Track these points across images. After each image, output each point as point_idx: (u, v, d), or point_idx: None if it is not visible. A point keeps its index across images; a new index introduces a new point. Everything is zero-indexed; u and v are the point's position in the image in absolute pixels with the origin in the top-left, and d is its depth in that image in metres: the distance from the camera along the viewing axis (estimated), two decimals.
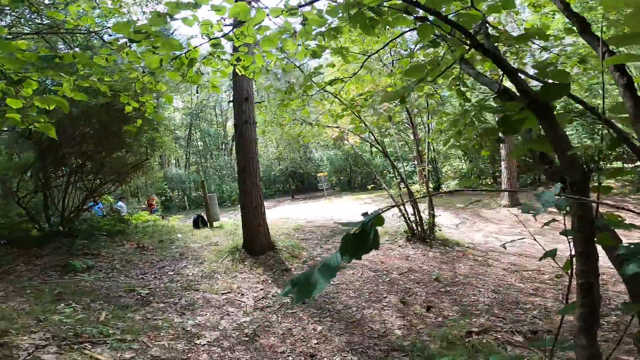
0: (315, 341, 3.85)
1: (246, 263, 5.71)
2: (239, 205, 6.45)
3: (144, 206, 14.46)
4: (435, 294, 4.94)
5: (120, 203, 11.73)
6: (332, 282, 5.50)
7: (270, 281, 5.30)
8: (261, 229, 6.13)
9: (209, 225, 9.75)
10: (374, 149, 26.14)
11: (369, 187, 13.83)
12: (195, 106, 26.27)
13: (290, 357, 3.58)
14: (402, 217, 7.58)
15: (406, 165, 22.46)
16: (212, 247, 6.79)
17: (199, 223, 9.69)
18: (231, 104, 6.95)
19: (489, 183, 18.95)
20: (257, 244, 6.01)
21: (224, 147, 29.02)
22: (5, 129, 9.94)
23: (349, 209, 13.50)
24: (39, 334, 3.36)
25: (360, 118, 7.19)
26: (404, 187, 8.73)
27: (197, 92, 26.64)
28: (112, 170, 9.18)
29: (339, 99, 5.88)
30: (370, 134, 9.79)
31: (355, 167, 24.83)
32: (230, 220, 10.49)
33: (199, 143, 27.47)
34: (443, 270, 5.88)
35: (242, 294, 4.83)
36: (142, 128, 9.30)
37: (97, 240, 7.45)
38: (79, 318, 3.84)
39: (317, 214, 12.44)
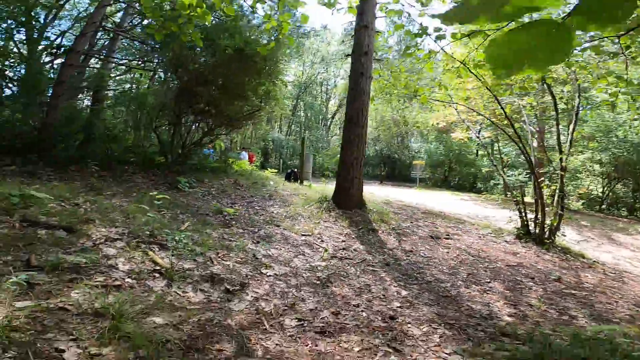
0: (398, 304, 3.28)
1: (332, 214, 5.37)
2: (338, 156, 6.12)
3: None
4: (557, 294, 3.85)
5: (243, 153, 12.73)
6: (421, 254, 4.80)
7: (354, 236, 4.86)
8: (356, 182, 5.72)
9: (299, 182, 9.78)
10: (480, 151, 23.43)
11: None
12: (304, 80, 27.05)
13: (364, 313, 3.09)
14: (518, 213, 6.36)
15: (518, 174, 19.52)
16: (300, 196, 6.65)
17: (290, 177, 9.81)
18: (349, 58, 6.62)
19: (623, 215, 15.23)
20: (347, 197, 5.64)
21: (323, 123, 29.49)
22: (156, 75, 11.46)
23: (444, 201, 12.22)
24: (117, 229, 3.49)
25: (499, 102, 6.07)
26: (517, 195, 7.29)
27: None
28: (228, 116, 9.83)
29: (467, 68, 4.93)
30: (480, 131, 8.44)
31: (455, 165, 22.64)
32: (319, 185, 10.42)
33: (302, 114, 28.42)
34: (565, 275, 4.64)
35: (322, 240, 4.48)
36: (260, 80, 9.69)
37: (204, 172, 8.07)
38: (162, 223, 3.96)
39: (407, 197, 11.53)
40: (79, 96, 12.13)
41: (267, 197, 6.34)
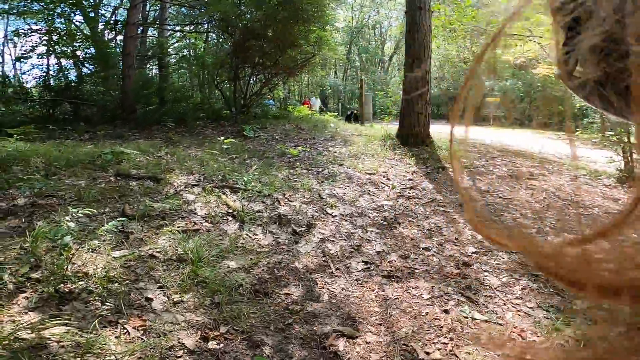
0: (473, 249, 3.01)
1: (397, 152, 5.03)
2: (400, 94, 5.62)
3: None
4: None
5: (313, 99, 12.72)
6: (499, 195, 4.34)
7: (421, 174, 4.54)
8: (421, 117, 5.19)
9: (360, 122, 9.40)
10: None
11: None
12: (356, 25, 24.99)
13: (435, 258, 2.89)
14: (622, 153, 5.39)
15: None
16: (363, 136, 6.37)
17: (351, 118, 9.47)
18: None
19: None
20: (413, 133, 5.20)
21: (380, 65, 27.52)
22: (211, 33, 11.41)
23: (525, 139, 10.86)
24: (195, 176, 3.61)
25: None
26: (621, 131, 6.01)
27: None
28: (284, 66, 9.57)
29: None
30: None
31: (535, 104, 19.69)
32: (381, 125, 9.88)
33: (357, 58, 26.75)
34: None
35: (388, 179, 4.24)
36: (310, 27, 9.11)
37: (266, 120, 8.16)
38: (233, 167, 4.03)
39: (480, 136, 10.45)
40: (146, 65, 12.85)
41: (329, 138, 6.19)
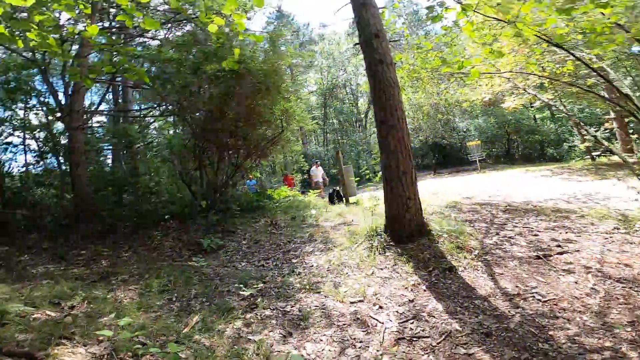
0: None
1: (388, 254, 3.90)
2: (381, 172, 4.55)
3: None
4: None
5: (313, 169, 12.02)
6: (536, 297, 3.15)
7: (424, 286, 3.36)
8: (411, 204, 4.17)
9: (344, 201, 8.43)
10: (538, 115, 20.09)
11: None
12: (327, 86, 25.85)
13: None
14: None
15: (595, 130, 16.19)
16: (346, 228, 5.30)
17: (334, 198, 8.50)
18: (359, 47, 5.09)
19: None
20: (404, 225, 4.11)
21: (358, 124, 27.92)
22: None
23: (519, 183, 10.00)
24: (98, 347, 2.44)
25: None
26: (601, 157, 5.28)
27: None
28: (254, 145, 8.92)
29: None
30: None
31: (514, 136, 19.64)
32: (368, 195, 8.94)
33: (334, 121, 27.13)
34: None
35: (380, 307, 3.05)
36: (275, 99, 8.67)
37: (238, 217, 7.11)
38: (164, 324, 2.84)
39: (474, 188, 9.55)
40: (117, 157, 12.04)
41: (306, 239, 5.10)
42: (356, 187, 9.18)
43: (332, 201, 8.47)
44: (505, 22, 3.54)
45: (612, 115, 14.13)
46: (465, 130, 21.31)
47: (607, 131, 15.99)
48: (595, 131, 16.34)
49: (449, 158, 21.79)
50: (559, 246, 4.32)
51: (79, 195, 7.58)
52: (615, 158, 13.78)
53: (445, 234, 4.25)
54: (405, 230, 3.99)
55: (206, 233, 5.78)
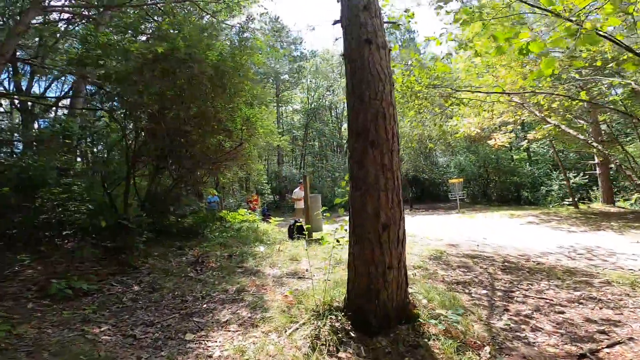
0: None
1: (344, 356, 2.33)
2: (348, 215, 2.73)
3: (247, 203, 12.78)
4: None
5: (297, 190, 10.15)
6: None
7: None
8: (391, 276, 2.46)
9: (305, 236, 6.82)
10: (516, 156, 19.71)
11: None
12: (312, 105, 24.75)
13: None
14: None
15: (575, 176, 15.73)
16: (291, 288, 3.67)
17: (293, 232, 6.86)
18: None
19: None
20: (376, 307, 2.45)
21: (338, 150, 26.82)
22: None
23: (506, 230, 8.80)
24: None
25: None
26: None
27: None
28: (204, 157, 7.27)
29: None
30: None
31: (493, 176, 19.01)
32: (336, 231, 7.38)
33: (315, 143, 25.86)
34: None
35: None
36: (232, 103, 7.13)
37: (160, 243, 5.32)
38: None
39: (458, 233, 8.23)
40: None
41: (231, 296, 3.41)
42: (322, 220, 7.61)
43: (291, 235, 6.83)
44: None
45: (596, 160, 13.62)
46: (445, 166, 20.58)
47: (585, 177, 15.56)
48: (575, 177, 15.93)
49: (425, 193, 20.89)
50: (602, 332, 2.91)
51: None
52: (597, 205, 13.11)
53: (437, 317, 2.70)
54: (377, 313, 2.38)
55: (92, 265, 3.98)
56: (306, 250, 5.43)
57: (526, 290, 4.10)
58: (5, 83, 10.85)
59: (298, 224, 6.92)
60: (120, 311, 2.97)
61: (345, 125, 29.82)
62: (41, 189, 5.47)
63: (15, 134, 8.22)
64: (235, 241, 5.93)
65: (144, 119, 6.50)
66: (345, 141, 27.45)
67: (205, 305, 3.07)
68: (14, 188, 6.06)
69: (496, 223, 9.72)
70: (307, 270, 4.28)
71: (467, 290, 4.06)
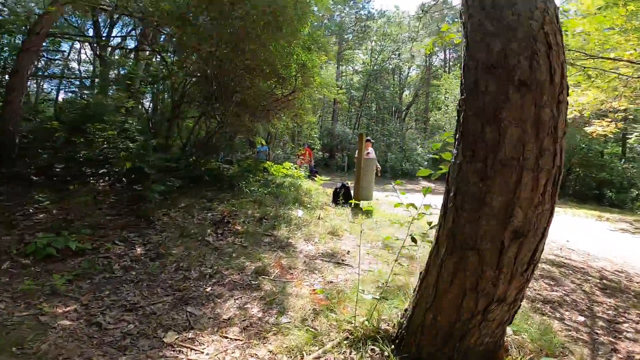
0: None
1: None
2: (445, 197, 1.55)
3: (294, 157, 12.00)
4: None
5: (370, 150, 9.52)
6: None
7: None
8: (498, 312, 1.42)
9: (352, 203, 5.90)
10: (606, 150, 16.19)
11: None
12: (374, 67, 22.53)
13: None
14: None
15: None
16: (328, 272, 2.81)
17: (339, 196, 5.95)
18: None
19: None
20: (456, 351, 1.45)
21: (397, 115, 24.64)
22: None
23: (593, 234, 7.06)
24: None
25: None
26: None
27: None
28: (249, 104, 6.48)
29: None
30: None
31: (578, 169, 15.97)
32: (388, 201, 6.36)
33: (373, 105, 23.92)
34: None
35: None
36: (289, 44, 6.05)
37: (186, 193, 4.75)
38: None
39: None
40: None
41: (247, 278, 2.67)
42: (374, 187, 6.57)
43: (335, 200, 5.95)
44: None
45: None
46: None
47: None
48: None
49: None
50: None
51: (5, 126, 5.48)
52: None
53: None
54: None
55: (108, 214, 3.49)
56: (352, 222, 4.52)
57: (637, 323, 2.91)
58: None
59: (346, 187, 6.01)
60: (103, 283, 2.37)
61: (406, 92, 27.17)
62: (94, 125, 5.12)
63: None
64: (272, 199, 5.20)
65: (194, 60, 5.79)
66: (405, 108, 25.11)
67: (209, 289, 2.36)
68: (70, 123, 5.89)
69: (580, 224, 7.89)
70: (348, 253, 3.40)
71: (558, 314, 2.97)
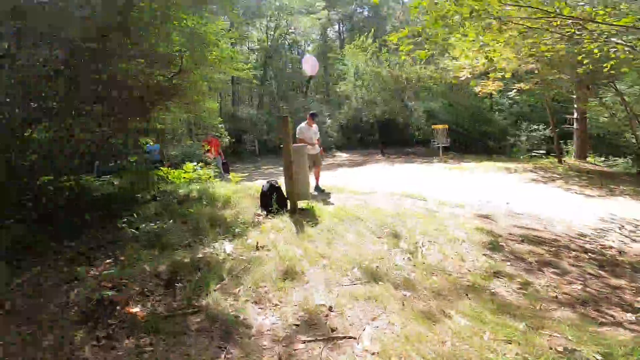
0: None
1: None
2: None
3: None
4: None
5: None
6: None
7: None
8: None
9: (288, 206, 4.62)
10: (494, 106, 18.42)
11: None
12: (270, 44, 20.68)
13: None
14: None
15: (544, 129, 15.00)
16: (319, 355, 1.60)
17: (271, 202, 4.56)
18: None
19: None
20: None
21: (298, 89, 23.59)
22: None
23: (514, 189, 7.42)
24: None
25: None
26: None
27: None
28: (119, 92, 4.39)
29: None
30: None
31: (467, 125, 17.63)
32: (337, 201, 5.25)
33: (273, 82, 22.26)
34: None
35: None
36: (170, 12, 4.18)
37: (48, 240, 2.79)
38: None
39: (468, 193, 6.59)
40: None
41: None
42: (312, 182, 5.39)
43: (267, 207, 4.58)
44: None
45: (575, 115, 12.66)
46: (412, 109, 18.72)
47: (557, 130, 14.87)
48: (544, 129, 15.22)
49: (395, 138, 19.28)
50: None
51: None
52: (570, 160, 12.45)
53: None
54: None
55: None
56: (301, 240, 3.29)
57: None
58: None
59: (276, 187, 4.70)
60: None
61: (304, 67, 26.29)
62: None
63: None
64: (179, 229, 3.56)
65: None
66: (306, 81, 24.20)
67: None
68: None
69: (498, 180, 8.25)
70: (330, 310, 2.18)
71: (609, 316, 2.45)
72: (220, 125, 6.72)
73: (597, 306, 2.58)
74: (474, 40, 5.42)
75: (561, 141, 14.68)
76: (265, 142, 18.23)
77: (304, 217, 4.23)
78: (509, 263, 3.24)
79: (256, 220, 4.17)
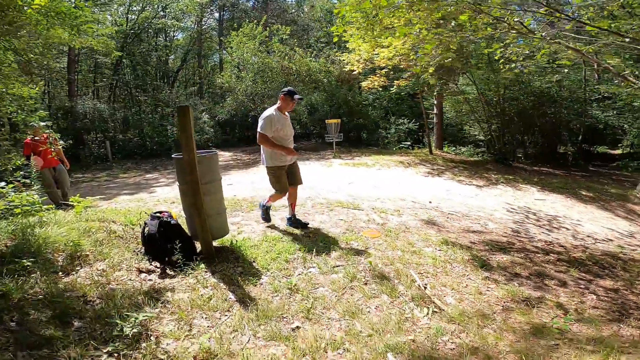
0: None
1: None
2: None
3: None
4: None
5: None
6: None
7: None
8: None
9: (197, 249, 2.92)
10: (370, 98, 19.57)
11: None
12: (131, 26, 16.24)
13: None
14: None
15: (409, 122, 16.85)
16: None
17: (169, 250, 2.76)
18: None
19: None
20: None
21: (164, 81, 19.64)
22: None
23: (420, 185, 7.50)
24: None
25: None
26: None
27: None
28: None
29: None
30: None
31: (345, 118, 18.20)
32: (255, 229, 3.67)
33: (128, 71, 17.63)
34: None
35: None
36: None
37: None
38: None
39: (386, 193, 6.15)
40: None
41: None
42: (225, 212, 3.66)
43: (158, 257, 2.76)
44: None
45: (435, 110, 14.56)
46: (303, 103, 18.10)
47: (416, 123, 16.97)
48: (408, 122, 17.18)
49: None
50: None
51: None
52: (434, 151, 14.25)
53: None
54: None
55: None
56: (237, 322, 1.83)
57: None
58: None
59: (174, 225, 2.97)
60: None
61: (173, 58, 21.95)
62: None
63: None
64: None
65: None
66: (174, 72, 20.39)
67: None
68: None
69: (402, 176, 8.23)
70: None
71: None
72: (43, 123, 4.02)
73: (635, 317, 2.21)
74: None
75: (420, 133, 16.86)
76: (123, 143, 14.19)
77: (230, 266, 2.68)
78: (516, 283, 2.67)
79: (148, 286, 2.37)
